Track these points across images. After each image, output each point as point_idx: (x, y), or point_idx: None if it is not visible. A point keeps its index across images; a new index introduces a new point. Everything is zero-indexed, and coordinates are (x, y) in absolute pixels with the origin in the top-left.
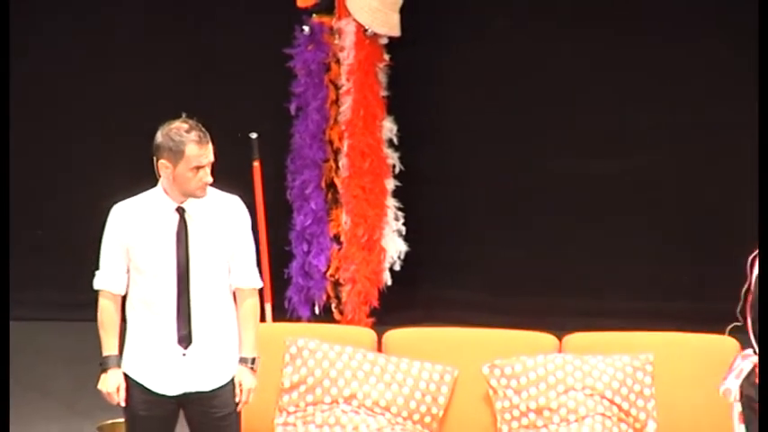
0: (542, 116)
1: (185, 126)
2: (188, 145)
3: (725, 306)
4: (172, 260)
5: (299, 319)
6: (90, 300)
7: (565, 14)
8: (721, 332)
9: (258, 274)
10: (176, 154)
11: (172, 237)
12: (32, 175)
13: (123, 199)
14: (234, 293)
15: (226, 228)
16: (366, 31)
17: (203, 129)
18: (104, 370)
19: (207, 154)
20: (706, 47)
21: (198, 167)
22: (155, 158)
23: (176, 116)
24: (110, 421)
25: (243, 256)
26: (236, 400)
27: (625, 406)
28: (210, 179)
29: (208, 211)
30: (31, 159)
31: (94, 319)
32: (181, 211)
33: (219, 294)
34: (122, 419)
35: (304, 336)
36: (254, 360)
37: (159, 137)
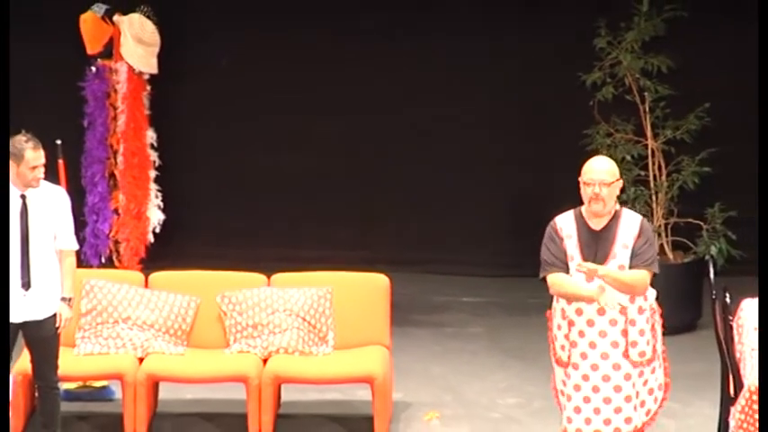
0: (262, 123)
1: (24, 138)
2: (26, 151)
3: (385, 251)
4: (16, 231)
5: (90, 267)
6: None
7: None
8: (376, 271)
9: (75, 240)
10: (18, 158)
11: (16, 215)
12: None
13: None
14: (59, 253)
15: (53, 209)
16: (134, 70)
17: (37, 139)
18: None
19: (39, 157)
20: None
21: (34, 167)
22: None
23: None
24: None
25: (65, 228)
26: (57, 325)
27: (313, 321)
28: (42, 175)
29: (41, 197)
30: None
31: None
32: (23, 197)
33: (49, 254)
34: None
35: (95, 277)
36: (70, 299)
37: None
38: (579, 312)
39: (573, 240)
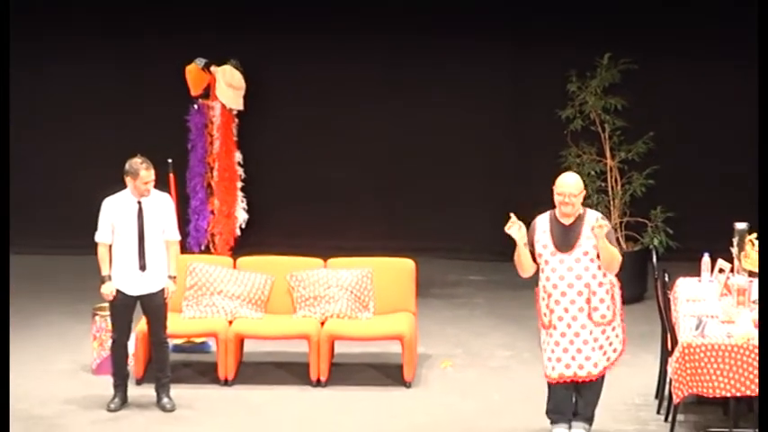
0: (318, 145)
1: (139, 160)
2: (141, 171)
3: (411, 242)
4: (134, 228)
5: (193, 253)
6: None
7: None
8: (405, 257)
9: (178, 232)
10: (134, 175)
11: (134, 216)
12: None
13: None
14: (166, 243)
15: (161, 210)
16: (226, 107)
17: (149, 161)
18: (103, 282)
19: (150, 175)
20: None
21: (146, 182)
22: (125, 176)
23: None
24: (99, 305)
25: (170, 224)
26: (165, 296)
27: (358, 294)
28: (152, 187)
29: (152, 202)
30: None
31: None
32: (139, 203)
33: (158, 244)
34: (106, 304)
35: (196, 261)
36: (175, 277)
37: (126, 165)
38: (555, 287)
39: (546, 233)
